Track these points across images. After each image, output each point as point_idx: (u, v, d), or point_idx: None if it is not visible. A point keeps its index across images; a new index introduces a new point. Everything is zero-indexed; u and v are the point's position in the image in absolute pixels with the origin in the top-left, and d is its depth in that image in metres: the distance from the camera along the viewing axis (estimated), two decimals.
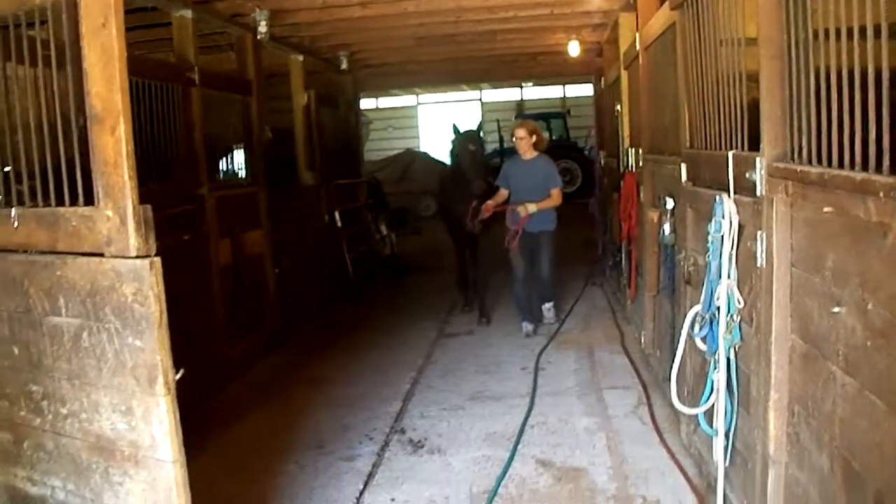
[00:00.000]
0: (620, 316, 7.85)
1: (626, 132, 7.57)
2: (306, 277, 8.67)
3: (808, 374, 2.68)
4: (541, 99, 28.53)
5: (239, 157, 7.95)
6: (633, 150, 6.80)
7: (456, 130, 8.07)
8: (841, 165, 2.23)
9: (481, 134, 8.34)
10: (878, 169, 2.00)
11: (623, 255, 7.66)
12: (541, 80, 24.36)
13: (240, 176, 7.75)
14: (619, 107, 7.99)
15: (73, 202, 3.02)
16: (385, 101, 28.09)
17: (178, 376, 2.85)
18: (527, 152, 7.49)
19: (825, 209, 2.38)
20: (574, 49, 9.94)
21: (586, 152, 15.09)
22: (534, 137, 7.47)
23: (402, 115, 29.76)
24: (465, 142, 7.87)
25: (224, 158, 7.72)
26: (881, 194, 1.95)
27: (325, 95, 10.00)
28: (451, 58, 11.34)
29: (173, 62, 6.40)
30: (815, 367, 2.61)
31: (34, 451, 3.36)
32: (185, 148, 6.06)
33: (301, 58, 9.24)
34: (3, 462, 3.51)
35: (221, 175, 7.46)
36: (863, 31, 2.06)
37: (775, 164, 2.79)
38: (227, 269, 6.58)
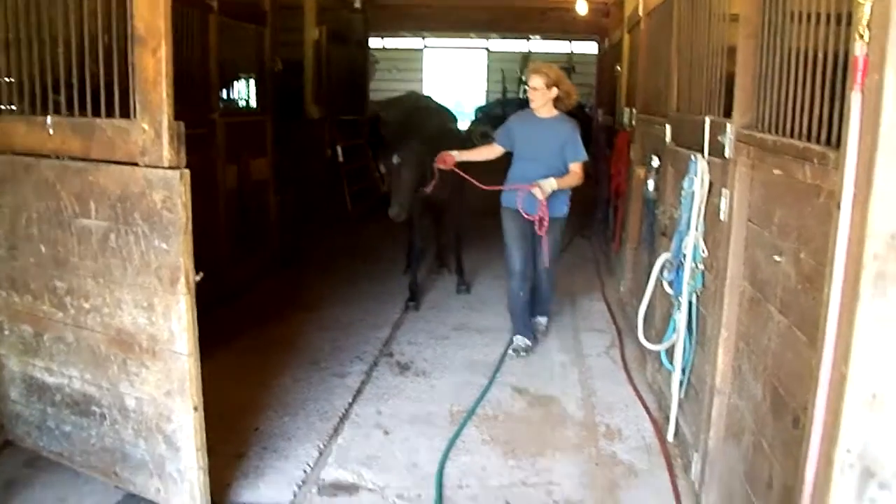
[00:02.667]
0: (604, 267, 8.22)
1: (624, 92, 7.83)
2: (307, 207, 8.99)
3: (753, 315, 3.04)
4: (547, 53, 28.54)
5: (246, 86, 8.21)
6: (628, 109, 7.10)
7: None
8: (791, 135, 2.58)
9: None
10: (817, 139, 2.34)
11: (611, 210, 7.98)
12: (548, 35, 24.42)
13: (249, 104, 8.02)
14: (619, 67, 8.26)
15: (109, 115, 3.33)
16: (391, 42, 28.09)
17: (198, 278, 3.20)
18: (542, 108, 5.48)
19: (775, 171, 2.73)
20: (582, 8, 10.18)
21: (587, 109, 15.32)
22: (554, 90, 5.43)
23: (408, 57, 29.77)
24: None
25: (234, 86, 7.97)
26: (815, 160, 2.30)
27: (335, 32, 10.20)
28: (462, 5, 11.55)
29: None
30: (758, 308, 2.97)
31: (54, 343, 3.69)
32: (199, 73, 6.33)
33: None
34: (23, 353, 3.84)
35: (231, 102, 7.73)
36: (818, 17, 2.39)
37: (742, 131, 3.13)
38: (232, 193, 6.90)
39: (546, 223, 5.34)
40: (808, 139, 2.42)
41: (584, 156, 5.46)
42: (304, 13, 9.51)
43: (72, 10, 3.39)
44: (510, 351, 5.62)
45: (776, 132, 2.75)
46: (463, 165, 5.88)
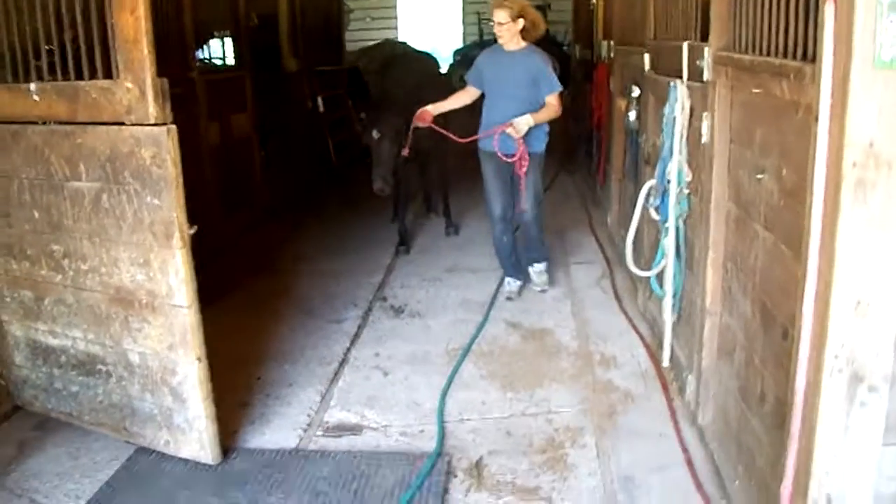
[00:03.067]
0: (590, 201, 8.27)
1: (600, 25, 7.79)
2: (291, 160, 8.98)
3: (739, 235, 3.11)
4: None
5: (222, 43, 8.15)
6: (606, 42, 7.09)
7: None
8: (768, 53, 2.62)
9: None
10: (794, 56, 2.38)
11: (594, 143, 8.01)
12: None
13: (226, 62, 7.97)
14: (594, 0, 8.21)
15: (92, 77, 3.34)
16: None
17: (192, 231, 3.24)
18: (510, 42, 5.21)
19: (754, 90, 2.77)
20: None
21: (565, 48, 15.18)
22: (520, 22, 5.13)
23: (382, 4, 29.37)
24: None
25: (210, 44, 7.92)
26: (792, 76, 2.34)
27: None
28: None
29: None
30: (744, 227, 3.04)
31: (55, 306, 3.76)
32: (175, 33, 6.28)
33: None
34: (25, 318, 3.91)
35: (209, 61, 7.69)
36: None
37: (720, 53, 3.16)
38: (216, 149, 6.88)
39: (525, 162, 5.17)
40: (785, 56, 2.46)
41: (558, 86, 5.19)
42: None
43: None
44: (504, 298, 5.58)
45: (753, 52, 2.78)
46: (444, 114, 5.72)
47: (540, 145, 5.33)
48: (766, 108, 2.72)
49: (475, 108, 5.57)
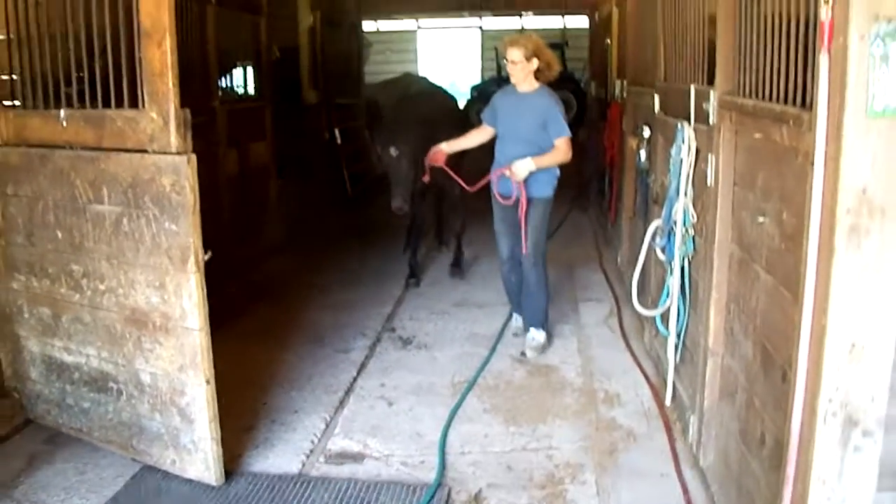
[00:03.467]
0: (601, 238, 8.34)
1: (615, 65, 7.92)
2: (307, 189, 9.12)
3: (741, 276, 3.17)
4: (541, 29, 28.47)
5: (244, 73, 8.32)
6: (620, 81, 7.20)
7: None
8: (770, 99, 2.69)
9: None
10: (793, 102, 2.46)
11: (606, 181, 8.10)
12: (541, 11, 24.43)
13: (248, 92, 8.14)
14: (609, 40, 8.35)
15: (118, 106, 3.47)
16: (385, 25, 28.07)
17: (206, 257, 3.33)
18: (522, 82, 5.09)
19: (756, 135, 2.85)
20: None
21: (582, 84, 15.34)
22: (534, 62, 4.99)
23: (402, 39, 29.71)
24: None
25: (232, 74, 8.09)
26: (791, 122, 2.42)
27: (329, 17, 10.29)
28: None
29: None
30: (746, 269, 3.10)
31: (71, 324, 3.86)
32: (199, 63, 6.45)
33: None
34: (42, 334, 4.01)
35: (231, 90, 7.85)
36: None
37: (725, 98, 3.25)
38: (233, 177, 7.03)
39: (524, 205, 5.01)
40: (785, 102, 2.54)
41: (566, 130, 4.99)
42: (299, 0, 9.59)
43: (79, 7, 3.52)
44: (511, 334, 5.56)
45: (756, 97, 2.86)
46: (461, 152, 5.65)
47: (544, 190, 5.12)
48: (767, 153, 2.79)
49: (492, 148, 5.45)
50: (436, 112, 6.66)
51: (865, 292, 2.12)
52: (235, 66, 8.21)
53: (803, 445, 2.29)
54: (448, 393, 4.64)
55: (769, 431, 2.78)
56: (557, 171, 5.16)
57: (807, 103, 2.35)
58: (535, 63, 4.99)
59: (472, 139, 5.50)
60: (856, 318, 2.13)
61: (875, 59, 1.98)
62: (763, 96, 2.77)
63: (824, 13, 2.09)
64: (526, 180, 4.96)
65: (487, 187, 5.34)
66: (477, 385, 4.74)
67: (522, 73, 5.03)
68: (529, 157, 4.92)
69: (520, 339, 5.47)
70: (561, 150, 4.99)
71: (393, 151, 5.73)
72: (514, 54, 4.98)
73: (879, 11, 1.97)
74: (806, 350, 2.26)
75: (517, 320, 5.61)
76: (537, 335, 5.32)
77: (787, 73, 2.51)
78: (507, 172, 4.98)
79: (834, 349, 2.15)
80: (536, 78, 5.08)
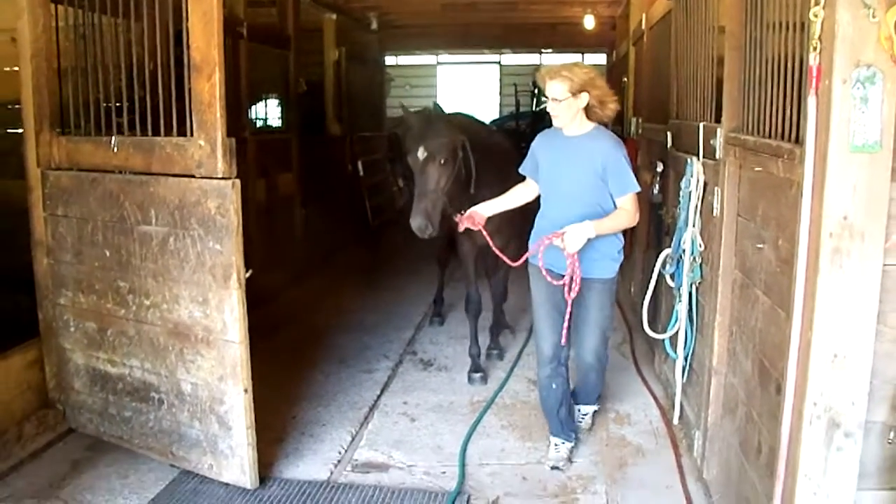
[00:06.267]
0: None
1: (631, 102, 8.19)
2: (330, 220, 9.42)
3: (743, 300, 3.41)
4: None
5: (273, 105, 8.68)
6: (636, 119, 7.48)
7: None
8: (769, 136, 2.95)
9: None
10: (788, 138, 2.72)
11: None
12: (559, 49, 24.83)
13: (275, 124, 8.48)
14: (625, 79, 8.63)
15: (167, 133, 3.76)
16: (405, 59, 28.51)
17: (247, 275, 3.60)
18: (569, 124, 3.91)
19: (756, 168, 3.11)
20: (590, 22, 10.59)
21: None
22: (583, 97, 3.81)
23: (422, 73, 30.13)
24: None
25: (261, 106, 8.45)
26: (786, 156, 2.68)
27: (353, 52, 10.66)
28: (473, 23, 11.98)
29: (226, 16, 7.07)
30: (747, 293, 3.34)
31: (117, 337, 4.12)
32: (231, 95, 6.75)
33: (334, 16, 9.91)
34: (87, 347, 4.28)
35: (260, 122, 8.20)
36: (788, 26, 2.77)
37: (730, 134, 3.51)
38: (261, 205, 7.33)
39: (577, 285, 3.84)
40: (781, 138, 2.80)
41: (634, 185, 3.88)
42: (324, 36, 9.96)
43: (134, 42, 3.84)
44: (549, 468, 4.15)
45: (758, 134, 3.13)
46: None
47: (606, 268, 4.03)
48: (766, 185, 3.05)
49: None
50: (476, 127, 5.74)
51: (847, 307, 2.37)
52: (264, 99, 8.57)
53: (792, 446, 2.53)
54: (467, 411, 4.88)
55: (765, 440, 3.02)
56: (622, 241, 4.08)
57: (800, 139, 2.61)
58: (583, 98, 3.83)
59: (516, 197, 4.33)
60: (838, 331, 2.37)
61: (856, 101, 2.24)
62: (763, 133, 3.03)
63: (812, 59, 2.35)
64: (581, 253, 3.81)
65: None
66: (494, 404, 4.98)
67: (568, 112, 3.86)
68: (586, 220, 3.77)
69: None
70: (628, 212, 3.89)
71: (420, 154, 4.55)
72: (556, 89, 3.82)
73: (860, 58, 2.24)
74: (795, 360, 2.50)
75: (556, 447, 4.23)
76: (590, 411, 4.57)
77: (784, 111, 2.77)
78: (558, 241, 3.79)
79: (818, 358, 2.40)
80: (588, 117, 3.95)
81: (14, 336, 4.42)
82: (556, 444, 4.23)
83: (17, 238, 4.55)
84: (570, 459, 4.22)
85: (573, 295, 3.86)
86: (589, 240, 3.75)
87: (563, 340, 4.03)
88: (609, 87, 3.98)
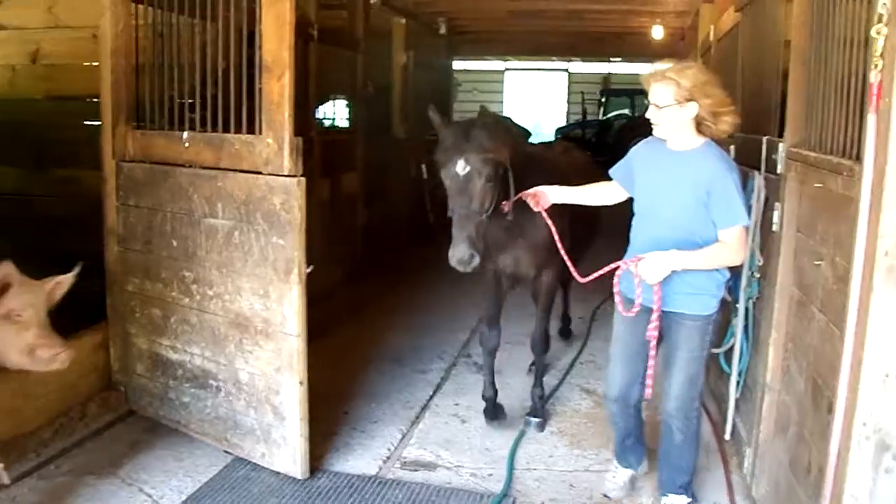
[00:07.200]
0: None
1: None
2: (392, 220, 9.53)
3: (799, 317, 3.38)
4: (628, 74, 28.63)
5: (341, 105, 8.82)
6: None
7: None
8: (831, 152, 2.94)
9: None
10: (849, 155, 2.70)
11: None
12: (627, 58, 24.68)
13: (341, 124, 8.62)
14: None
15: (237, 131, 3.89)
16: (473, 64, 28.60)
17: (308, 270, 3.70)
18: (673, 135, 3.39)
19: (816, 185, 3.09)
20: (658, 33, 10.55)
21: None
22: (690, 107, 3.24)
23: (489, 79, 30.21)
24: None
25: (329, 106, 8.60)
26: (845, 173, 2.67)
27: (421, 57, 10.76)
28: (540, 31, 12.01)
29: (298, 19, 7.23)
30: (803, 310, 3.31)
31: (179, 325, 4.28)
32: (300, 96, 6.90)
33: (403, 21, 10.03)
34: (151, 333, 4.44)
35: (327, 121, 8.35)
36: (854, 42, 2.76)
37: (792, 149, 3.49)
38: (324, 204, 7.45)
39: (656, 321, 3.37)
40: (842, 155, 2.79)
41: (742, 217, 3.29)
42: (393, 39, 10.08)
43: (208, 42, 3.98)
44: (602, 495, 3.92)
45: (820, 150, 3.11)
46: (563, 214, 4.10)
47: (703, 303, 3.45)
48: (826, 201, 3.03)
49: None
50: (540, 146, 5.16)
51: None
52: (331, 99, 8.72)
53: (839, 466, 2.51)
54: (517, 415, 4.90)
55: (815, 460, 2.98)
56: (726, 275, 3.51)
57: (860, 156, 2.59)
58: (691, 108, 3.27)
59: (594, 194, 3.95)
60: (890, 350, 2.35)
61: None
62: (825, 149, 3.01)
63: (874, 76, 2.34)
64: (674, 283, 3.36)
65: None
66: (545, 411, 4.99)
67: (671, 122, 3.33)
68: (675, 248, 3.29)
69: (589, 370, 5.72)
70: (730, 247, 3.31)
71: (461, 168, 3.81)
72: (659, 93, 3.31)
73: None
74: (846, 380, 2.49)
75: (614, 474, 3.95)
76: (678, 502, 3.71)
77: (846, 128, 2.76)
78: (633, 266, 3.38)
79: (869, 378, 2.38)
80: (699, 131, 3.37)
81: (82, 320, 4.58)
82: (615, 468, 3.94)
83: (88, 226, 4.72)
84: (632, 487, 3.90)
85: (655, 329, 3.38)
86: (673, 271, 3.29)
87: (649, 392, 3.48)
88: (727, 95, 3.38)
